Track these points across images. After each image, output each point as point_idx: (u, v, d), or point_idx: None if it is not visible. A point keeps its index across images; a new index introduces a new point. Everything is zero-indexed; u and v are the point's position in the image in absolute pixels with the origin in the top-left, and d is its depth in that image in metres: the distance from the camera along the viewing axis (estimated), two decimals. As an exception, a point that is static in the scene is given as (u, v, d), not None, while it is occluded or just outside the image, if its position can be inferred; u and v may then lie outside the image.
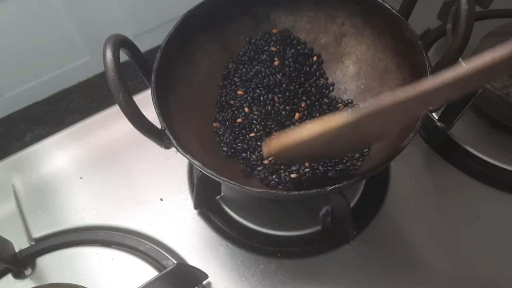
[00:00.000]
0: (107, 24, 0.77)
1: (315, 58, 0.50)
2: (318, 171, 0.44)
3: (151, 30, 0.82)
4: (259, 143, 0.46)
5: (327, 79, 0.50)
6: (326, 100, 0.49)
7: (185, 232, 0.50)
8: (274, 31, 0.51)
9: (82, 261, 0.49)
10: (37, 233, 0.51)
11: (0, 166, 0.56)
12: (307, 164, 0.44)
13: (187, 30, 0.46)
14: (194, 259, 0.49)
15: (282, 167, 0.44)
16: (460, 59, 0.49)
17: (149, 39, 0.76)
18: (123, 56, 0.37)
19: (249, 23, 0.51)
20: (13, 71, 0.74)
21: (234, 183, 0.37)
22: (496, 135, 0.55)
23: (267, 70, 0.49)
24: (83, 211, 0.53)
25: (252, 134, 0.47)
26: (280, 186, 0.43)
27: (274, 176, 0.44)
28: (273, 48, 0.50)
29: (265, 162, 0.45)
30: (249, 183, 0.43)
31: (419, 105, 0.33)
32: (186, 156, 0.38)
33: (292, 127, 0.47)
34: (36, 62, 0.75)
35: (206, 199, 0.52)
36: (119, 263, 0.49)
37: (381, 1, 0.45)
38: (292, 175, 0.43)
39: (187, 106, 0.46)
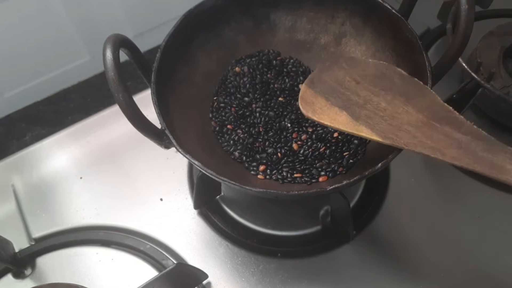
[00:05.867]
0: (107, 24, 0.77)
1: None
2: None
3: (151, 30, 0.82)
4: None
5: None
6: None
7: (185, 232, 0.50)
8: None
9: (82, 261, 0.49)
10: (37, 233, 0.51)
11: (0, 166, 0.56)
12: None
13: (187, 30, 0.46)
14: (194, 259, 0.49)
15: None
16: (460, 59, 0.49)
17: (149, 39, 0.76)
18: (123, 56, 0.37)
19: (249, 23, 0.51)
20: (13, 71, 0.74)
21: (234, 183, 0.37)
22: (496, 135, 0.54)
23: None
24: (83, 211, 0.53)
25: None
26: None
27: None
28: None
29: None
30: (249, 183, 0.43)
31: None
32: (186, 156, 0.38)
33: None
34: (36, 62, 0.75)
35: (206, 199, 0.52)
36: (119, 263, 0.49)
37: (381, 1, 0.45)
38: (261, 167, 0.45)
39: (187, 106, 0.46)
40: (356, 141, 0.45)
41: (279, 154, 0.45)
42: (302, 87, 0.41)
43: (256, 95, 0.49)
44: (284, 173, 0.44)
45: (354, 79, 0.40)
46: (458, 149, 0.32)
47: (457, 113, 0.34)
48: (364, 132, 0.36)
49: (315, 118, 0.38)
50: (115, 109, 0.59)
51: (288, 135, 0.46)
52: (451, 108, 0.35)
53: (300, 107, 0.40)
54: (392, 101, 0.37)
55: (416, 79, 0.39)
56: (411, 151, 0.34)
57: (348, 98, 0.38)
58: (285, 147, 0.45)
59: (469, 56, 0.56)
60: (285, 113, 0.48)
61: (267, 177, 0.45)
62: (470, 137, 0.32)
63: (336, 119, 0.37)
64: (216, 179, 0.37)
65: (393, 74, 0.40)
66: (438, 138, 0.33)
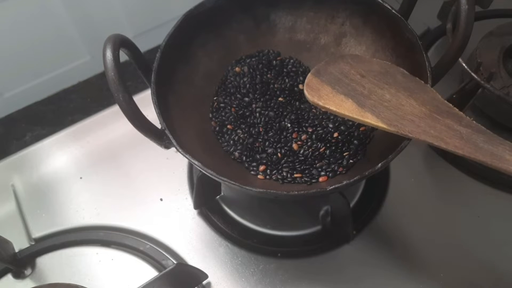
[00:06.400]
0: (107, 24, 0.77)
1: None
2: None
3: (151, 30, 0.82)
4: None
5: None
6: None
7: (185, 232, 0.50)
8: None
9: (82, 261, 0.49)
10: (37, 233, 0.51)
11: (0, 166, 0.56)
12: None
13: (187, 30, 0.46)
14: (194, 259, 0.49)
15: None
16: (460, 59, 0.49)
17: (149, 39, 0.76)
18: (123, 56, 0.37)
19: (249, 23, 0.51)
20: (13, 71, 0.74)
21: (234, 183, 0.37)
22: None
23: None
24: (83, 211, 0.53)
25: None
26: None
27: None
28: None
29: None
30: (249, 183, 0.43)
31: None
32: (186, 156, 0.38)
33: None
34: (36, 62, 0.75)
35: (206, 199, 0.52)
36: (119, 263, 0.49)
37: (381, 1, 0.45)
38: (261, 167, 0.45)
39: (187, 106, 0.46)
40: (356, 142, 0.45)
41: (279, 154, 0.45)
42: (308, 76, 0.42)
43: (256, 95, 0.49)
44: (284, 173, 0.44)
45: (359, 73, 0.41)
46: (460, 139, 0.34)
47: (456, 109, 0.36)
48: (370, 119, 0.37)
49: (320, 103, 0.39)
50: (115, 109, 0.59)
51: (288, 135, 0.46)
52: (451, 105, 0.37)
53: (306, 93, 0.40)
54: (396, 94, 0.39)
55: (417, 78, 0.40)
56: (416, 139, 0.35)
57: (354, 88, 0.40)
58: (285, 147, 0.45)
59: (469, 56, 0.56)
60: (285, 113, 0.48)
61: (267, 177, 0.45)
62: (470, 130, 0.34)
63: (341, 105, 0.39)
64: (216, 179, 0.37)
65: (396, 72, 0.41)
66: (440, 129, 0.35)
